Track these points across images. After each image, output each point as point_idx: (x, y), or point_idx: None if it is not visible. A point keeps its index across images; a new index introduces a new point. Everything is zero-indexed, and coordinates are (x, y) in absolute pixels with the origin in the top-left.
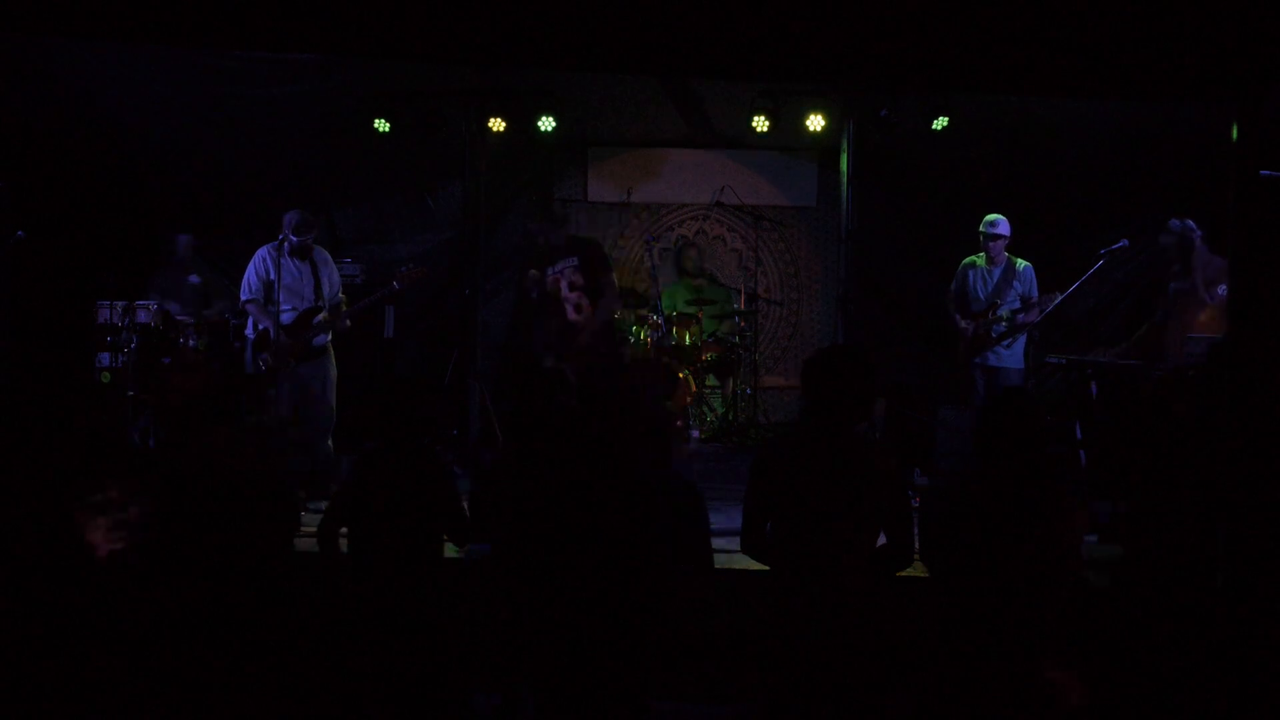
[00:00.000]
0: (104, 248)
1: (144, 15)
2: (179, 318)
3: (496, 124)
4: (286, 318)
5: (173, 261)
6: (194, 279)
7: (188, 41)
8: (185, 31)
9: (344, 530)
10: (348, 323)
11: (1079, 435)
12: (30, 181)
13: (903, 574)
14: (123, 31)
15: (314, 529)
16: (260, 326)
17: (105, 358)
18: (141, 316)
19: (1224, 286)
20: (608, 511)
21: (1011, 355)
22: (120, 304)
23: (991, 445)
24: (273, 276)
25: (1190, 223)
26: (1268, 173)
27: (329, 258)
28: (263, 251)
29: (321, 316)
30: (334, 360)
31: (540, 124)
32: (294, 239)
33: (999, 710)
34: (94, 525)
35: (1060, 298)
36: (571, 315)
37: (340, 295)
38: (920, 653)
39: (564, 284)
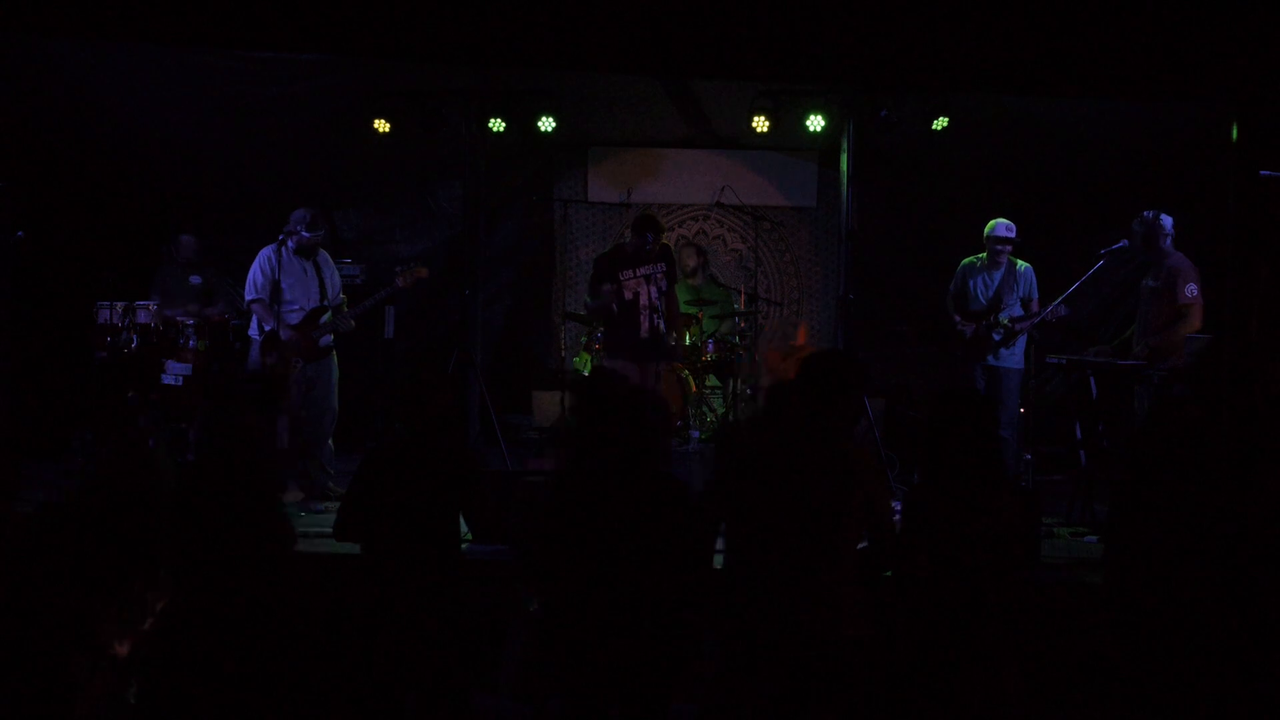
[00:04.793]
0: (104, 248)
1: (145, 15)
2: (179, 318)
3: (496, 124)
4: (294, 317)
5: (175, 261)
6: (195, 279)
7: (188, 41)
8: (186, 32)
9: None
10: (352, 323)
11: (1079, 435)
12: (30, 181)
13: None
14: (123, 31)
15: (319, 528)
16: (266, 327)
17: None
18: (141, 316)
19: (1192, 285)
20: (640, 518)
21: (1012, 356)
22: (120, 304)
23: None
24: (278, 276)
25: (1164, 217)
26: (1268, 173)
27: (329, 258)
28: (267, 251)
29: (327, 316)
30: (336, 361)
31: (540, 124)
32: (305, 235)
33: (969, 702)
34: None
35: (1056, 303)
36: (657, 322)
37: (341, 296)
38: (895, 651)
39: (652, 290)
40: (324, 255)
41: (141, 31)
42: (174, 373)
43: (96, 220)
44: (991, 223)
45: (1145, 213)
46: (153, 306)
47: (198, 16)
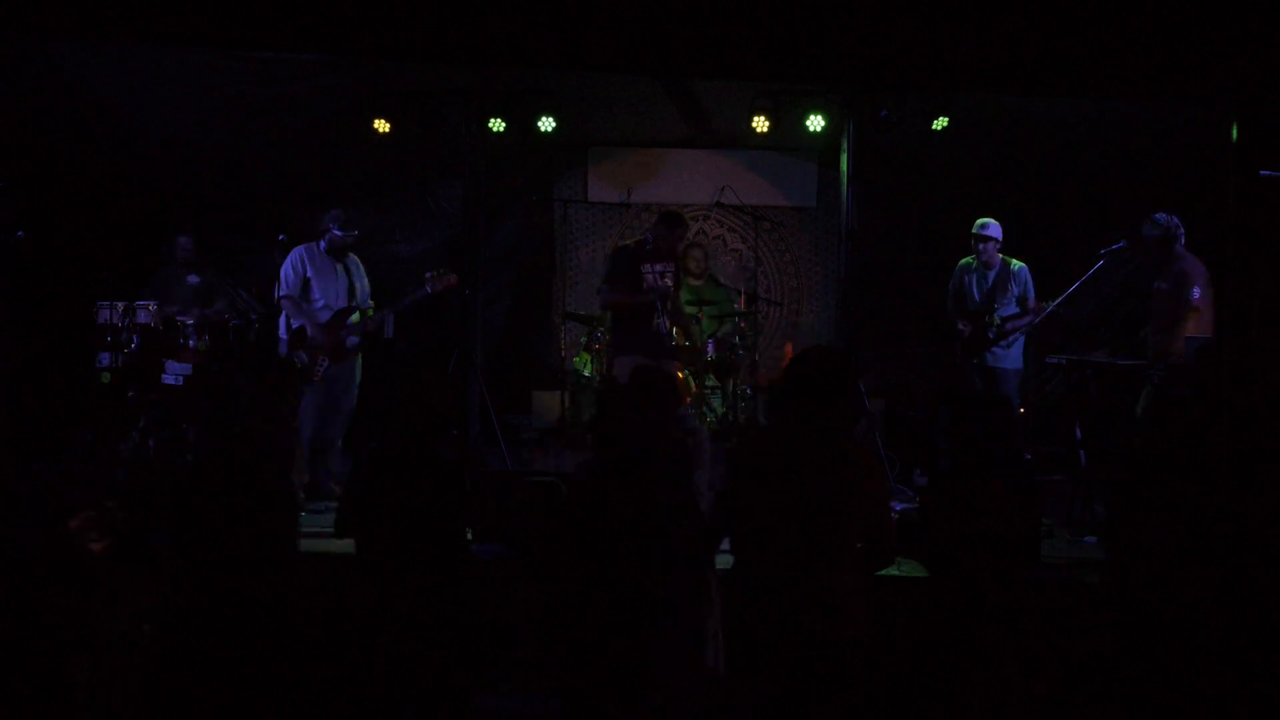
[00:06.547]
0: (104, 248)
1: (145, 15)
2: (179, 318)
3: (496, 124)
4: (322, 316)
5: (174, 261)
6: (193, 279)
7: (188, 41)
8: (186, 32)
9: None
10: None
11: (1079, 435)
12: (30, 181)
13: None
14: (123, 31)
15: (318, 528)
16: (294, 324)
17: (105, 358)
18: (141, 316)
19: (1197, 289)
20: (640, 518)
21: (1010, 356)
22: (120, 304)
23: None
24: (310, 274)
25: (1175, 219)
26: (1268, 173)
27: (359, 262)
28: (300, 250)
29: (355, 317)
30: (360, 364)
31: (540, 124)
32: (338, 234)
33: (969, 702)
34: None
35: (1053, 305)
36: (666, 319)
37: (370, 301)
38: (895, 651)
39: (666, 286)
40: (354, 259)
41: (141, 31)
42: (174, 373)
43: (96, 220)
44: (975, 223)
45: (1159, 215)
46: (152, 307)
47: (198, 16)
